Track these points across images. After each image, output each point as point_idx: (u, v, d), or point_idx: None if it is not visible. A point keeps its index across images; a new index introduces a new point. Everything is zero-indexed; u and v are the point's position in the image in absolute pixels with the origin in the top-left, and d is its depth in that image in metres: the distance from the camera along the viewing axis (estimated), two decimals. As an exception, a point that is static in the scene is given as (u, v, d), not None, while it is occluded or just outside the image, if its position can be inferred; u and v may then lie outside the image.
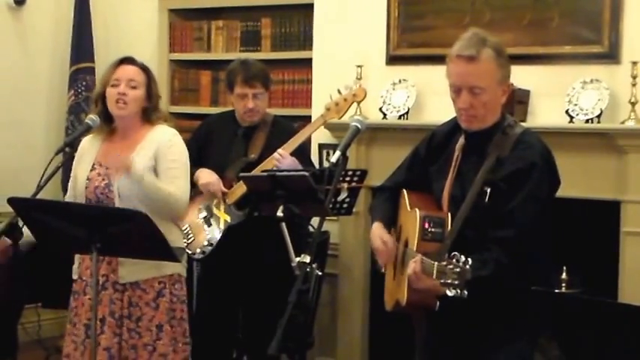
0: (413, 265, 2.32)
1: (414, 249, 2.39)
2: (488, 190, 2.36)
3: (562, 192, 3.87)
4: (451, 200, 2.45)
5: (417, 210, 2.44)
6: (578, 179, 3.81)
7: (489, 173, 2.37)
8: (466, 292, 2.14)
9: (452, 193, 2.46)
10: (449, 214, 2.41)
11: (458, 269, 2.13)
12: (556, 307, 2.43)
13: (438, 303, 2.36)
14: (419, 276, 2.30)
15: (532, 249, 2.37)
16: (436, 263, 2.21)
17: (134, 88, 2.97)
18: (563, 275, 3.82)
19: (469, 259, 2.14)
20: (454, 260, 2.15)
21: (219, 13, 5.09)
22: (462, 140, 2.50)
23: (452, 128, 2.55)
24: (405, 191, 2.60)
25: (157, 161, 2.96)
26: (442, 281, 2.16)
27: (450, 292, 2.15)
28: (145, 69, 3.03)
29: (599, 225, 3.86)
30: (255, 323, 3.76)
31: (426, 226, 2.39)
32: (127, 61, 3.02)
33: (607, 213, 3.80)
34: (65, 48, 5.10)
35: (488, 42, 2.42)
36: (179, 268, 3.02)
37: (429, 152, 2.59)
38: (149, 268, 2.92)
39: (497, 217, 2.35)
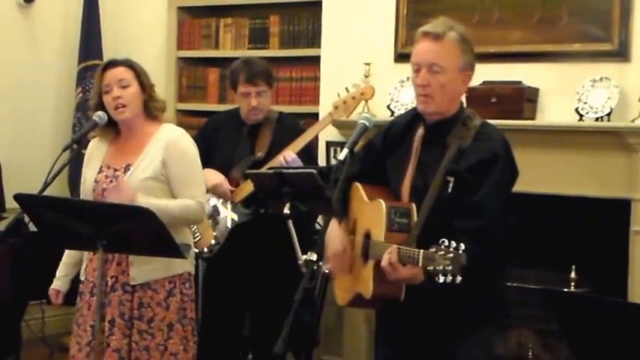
0: (388, 257, 2.31)
1: (382, 240, 2.38)
2: (452, 180, 2.37)
3: (572, 190, 3.89)
4: (413, 191, 2.45)
5: (381, 201, 2.42)
6: (587, 178, 3.80)
7: (452, 163, 2.38)
8: (460, 278, 2.13)
9: (413, 184, 2.46)
10: (413, 205, 2.41)
11: (451, 255, 2.13)
12: (565, 306, 2.41)
13: (403, 294, 2.37)
14: (395, 266, 2.29)
15: (498, 239, 2.37)
16: (422, 251, 2.20)
17: (126, 87, 2.93)
18: (572, 274, 3.80)
19: (461, 244, 2.14)
20: (442, 247, 2.15)
21: (227, 10, 5.08)
22: (421, 131, 2.50)
23: (410, 120, 2.54)
24: (358, 184, 2.58)
25: (168, 167, 2.92)
26: (431, 268, 2.16)
27: (440, 279, 2.14)
28: (129, 65, 2.98)
29: (608, 224, 3.84)
30: (261, 321, 3.75)
31: (393, 216, 2.38)
32: (110, 64, 2.98)
33: (617, 212, 3.78)
34: (74, 45, 5.10)
35: (455, 27, 2.45)
36: (189, 267, 3.00)
37: (386, 144, 2.57)
38: (160, 269, 2.90)
39: (463, 207, 2.36)
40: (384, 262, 2.31)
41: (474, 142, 2.41)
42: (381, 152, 2.57)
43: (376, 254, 2.40)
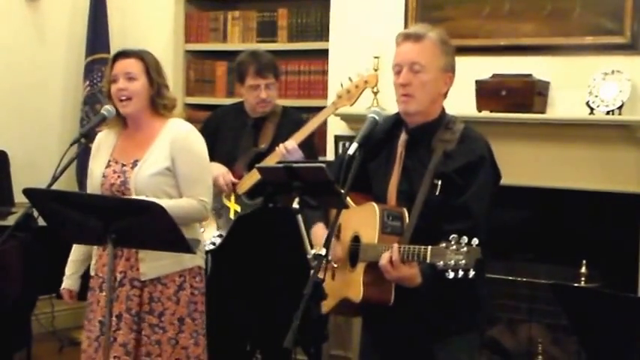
0: (388, 255, 2.31)
1: (375, 242, 2.39)
2: (439, 183, 2.39)
3: (582, 185, 3.87)
4: (399, 195, 2.47)
5: (374, 204, 2.44)
6: (598, 172, 3.78)
7: (439, 166, 2.40)
8: (473, 272, 2.14)
9: (399, 188, 2.47)
10: (404, 208, 2.42)
11: (465, 249, 2.14)
12: (575, 301, 2.39)
13: (393, 297, 2.37)
14: (396, 265, 2.30)
15: (484, 240, 2.35)
16: (430, 247, 2.21)
17: (132, 79, 2.90)
18: (583, 269, 3.78)
19: (474, 239, 2.15)
20: (453, 242, 2.16)
21: (235, 3, 5.07)
22: (404, 136, 2.51)
23: (392, 125, 2.56)
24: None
25: (174, 162, 2.91)
26: (440, 264, 2.16)
27: (450, 275, 2.15)
28: (141, 57, 2.94)
29: (619, 218, 3.81)
30: (267, 316, 3.74)
31: (386, 219, 2.40)
32: (122, 54, 2.95)
33: (628, 206, 3.75)
34: (81, 39, 5.09)
35: (435, 29, 2.50)
36: (199, 261, 3.00)
37: (367, 150, 2.54)
38: (171, 264, 2.89)
39: (451, 209, 2.38)
40: (383, 261, 2.31)
41: (459, 145, 2.44)
42: (362, 151, 2.54)
43: (369, 256, 2.41)
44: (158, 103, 2.94)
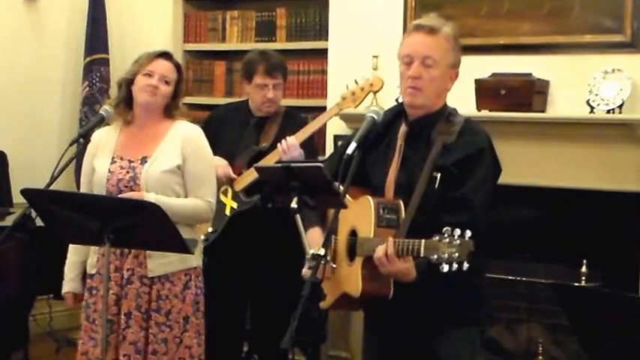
0: (383, 248, 2.29)
1: (372, 235, 2.37)
2: (439, 176, 2.38)
3: (582, 184, 3.86)
4: (397, 188, 2.45)
5: (369, 198, 2.42)
6: (598, 171, 3.78)
7: (438, 159, 2.38)
8: (467, 265, 2.12)
9: (397, 180, 2.46)
10: (401, 201, 2.41)
11: (457, 242, 2.13)
12: (575, 300, 2.39)
13: (392, 291, 2.36)
14: (391, 258, 2.28)
15: (484, 233, 2.35)
16: (423, 240, 2.19)
17: (166, 84, 2.98)
18: (583, 268, 3.77)
19: (467, 232, 2.13)
20: (446, 235, 2.14)
21: (234, 3, 5.07)
22: (404, 128, 2.50)
23: (392, 117, 2.54)
24: (337, 183, 2.55)
25: (185, 162, 2.96)
26: (434, 257, 2.15)
27: (445, 268, 2.13)
28: (178, 67, 3.05)
29: (620, 217, 3.80)
30: (264, 315, 3.72)
31: (381, 212, 2.38)
32: (165, 55, 3.02)
33: (628, 205, 3.75)
34: (80, 39, 5.09)
35: (448, 24, 2.47)
36: (200, 261, 3.02)
37: (366, 142, 2.52)
38: (177, 261, 2.91)
39: (450, 201, 2.36)
40: (379, 254, 2.30)
41: (460, 138, 2.42)
42: (361, 151, 2.53)
43: (365, 250, 2.39)
44: (172, 110, 3.02)
